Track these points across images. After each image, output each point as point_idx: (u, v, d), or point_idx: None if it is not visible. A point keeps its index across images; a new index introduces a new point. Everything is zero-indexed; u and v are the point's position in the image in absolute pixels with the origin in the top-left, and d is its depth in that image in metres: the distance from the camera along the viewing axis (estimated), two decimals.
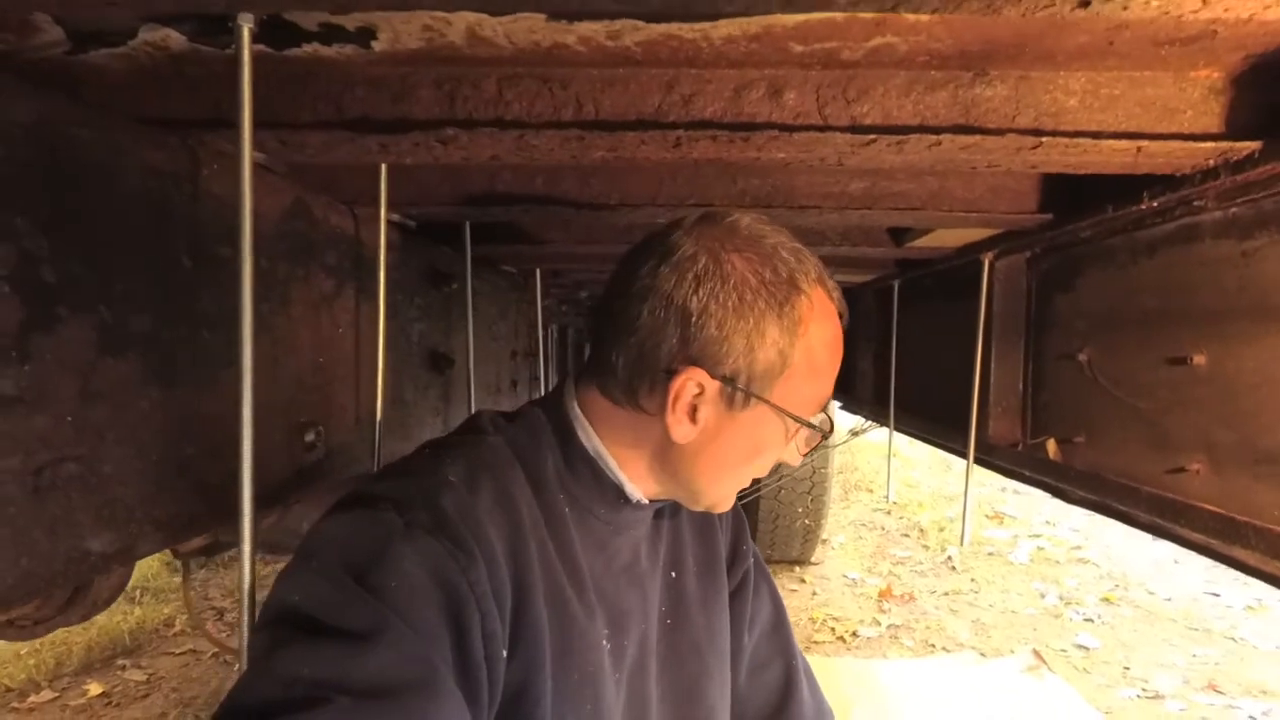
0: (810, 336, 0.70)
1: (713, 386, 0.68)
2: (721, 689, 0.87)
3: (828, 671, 3.13)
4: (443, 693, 0.55)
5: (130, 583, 4.34)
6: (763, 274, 0.68)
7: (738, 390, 0.68)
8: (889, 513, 6.45)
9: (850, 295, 3.35)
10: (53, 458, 0.77)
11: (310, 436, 1.17)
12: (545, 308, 2.77)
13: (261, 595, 0.69)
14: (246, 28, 0.76)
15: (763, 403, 0.69)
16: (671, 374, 0.68)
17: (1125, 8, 0.58)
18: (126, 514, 0.86)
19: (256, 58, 0.82)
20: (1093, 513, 1.53)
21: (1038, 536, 5.68)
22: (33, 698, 3.23)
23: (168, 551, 1.22)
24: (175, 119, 0.92)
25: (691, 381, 0.67)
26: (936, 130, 0.90)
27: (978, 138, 0.89)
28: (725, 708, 0.88)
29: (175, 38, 0.82)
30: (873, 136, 0.90)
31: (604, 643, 0.73)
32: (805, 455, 0.80)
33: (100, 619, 3.79)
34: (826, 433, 0.78)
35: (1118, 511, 1.41)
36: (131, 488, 0.87)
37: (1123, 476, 1.35)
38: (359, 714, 0.50)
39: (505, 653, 0.63)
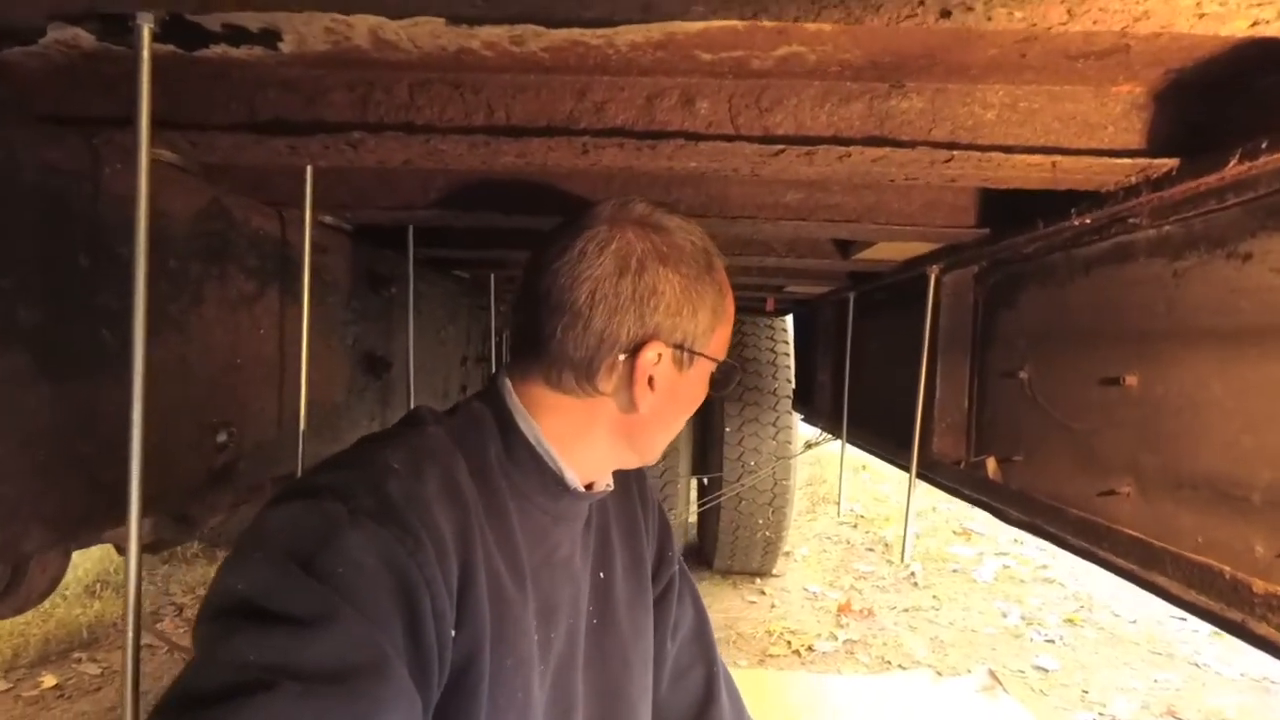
0: (728, 293, 0.80)
1: (668, 354, 0.75)
2: (643, 691, 0.89)
3: (779, 685, 3.12)
4: (392, 677, 0.55)
5: (90, 577, 4.34)
6: (686, 248, 0.76)
7: (685, 351, 0.76)
8: (855, 526, 6.44)
9: (810, 307, 3.37)
10: None
11: (222, 437, 1.14)
12: (501, 313, 2.75)
13: None
14: (146, 27, 0.76)
15: (703, 357, 0.78)
16: (636, 352, 0.73)
17: (989, 18, 0.57)
18: (9, 510, 0.85)
19: (168, 58, 0.84)
20: (1027, 534, 1.52)
21: (1004, 555, 5.69)
22: None
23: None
24: (88, 117, 0.92)
25: (653, 354, 0.73)
26: (847, 142, 0.89)
27: (888, 150, 0.89)
28: (646, 709, 0.90)
29: (85, 37, 0.82)
30: (781, 147, 0.89)
31: (535, 634, 0.74)
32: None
33: (59, 612, 3.89)
34: (732, 365, 0.85)
35: (1049, 534, 1.40)
36: (15, 483, 0.85)
37: (1054, 498, 1.34)
38: (308, 698, 0.50)
39: (453, 631, 0.64)
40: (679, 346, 0.75)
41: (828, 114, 0.91)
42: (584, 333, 0.72)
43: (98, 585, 4.34)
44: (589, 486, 0.81)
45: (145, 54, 0.76)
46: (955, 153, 0.89)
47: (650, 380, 0.74)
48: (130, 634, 0.84)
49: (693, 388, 0.80)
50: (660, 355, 0.74)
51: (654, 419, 0.79)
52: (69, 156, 0.92)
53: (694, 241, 0.77)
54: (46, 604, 3.81)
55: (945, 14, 0.56)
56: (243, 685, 0.49)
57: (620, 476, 0.94)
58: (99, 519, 0.97)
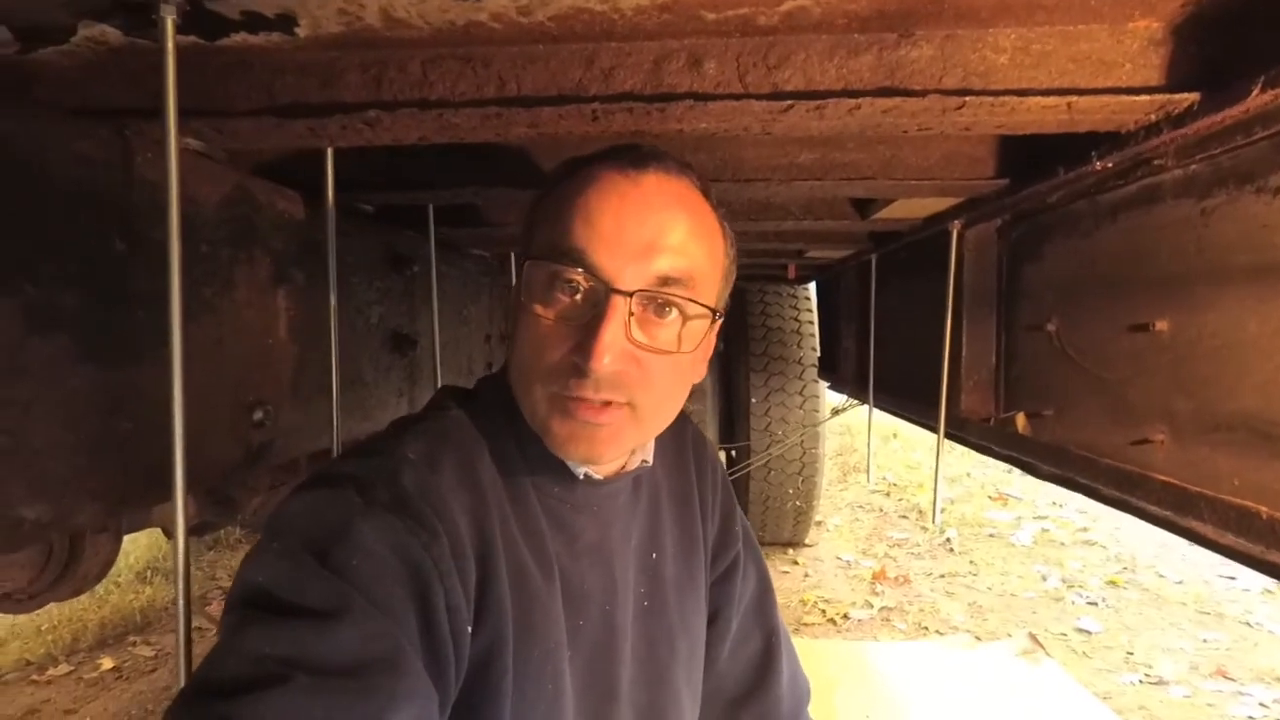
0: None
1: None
2: (688, 675, 0.86)
3: (814, 653, 3.13)
4: (407, 671, 0.55)
5: (141, 564, 4.48)
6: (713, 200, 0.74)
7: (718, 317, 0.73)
8: (888, 494, 6.41)
9: (832, 274, 3.35)
10: None
11: (258, 415, 1.17)
12: None
13: None
14: (170, 19, 0.79)
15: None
16: (714, 319, 0.72)
17: None
18: (60, 485, 0.88)
19: (191, 49, 0.87)
20: (1060, 487, 1.51)
21: (1043, 518, 5.64)
22: (50, 671, 3.42)
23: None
24: (118, 109, 0.95)
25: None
26: (857, 94, 0.88)
27: (898, 100, 0.88)
28: (692, 694, 0.87)
29: (112, 33, 0.85)
30: (790, 103, 0.88)
31: (564, 621, 0.73)
32: None
33: (113, 598, 4.06)
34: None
35: (1082, 485, 1.39)
36: (63, 461, 0.88)
37: (1086, 449, 1.33)
38: (321, 692, 0.50)
39: (470, 627, 0.63)
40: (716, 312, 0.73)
41: (837, 67, 0.90)
42: None
43: (148, 571, 4.49)
44: (623, 467, 0.78)
45: (170, 44, 0.79)
46: (967, 99, 0.88)
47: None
48: (180, 603, 0.88)
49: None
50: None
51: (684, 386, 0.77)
52: (100, 147, 0.94)
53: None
54: (101, 590, 3.99)
55: None
56: (257, 678, 0.49)
57: (673, 452, 0.91)
58: (142, 497, 1.00)
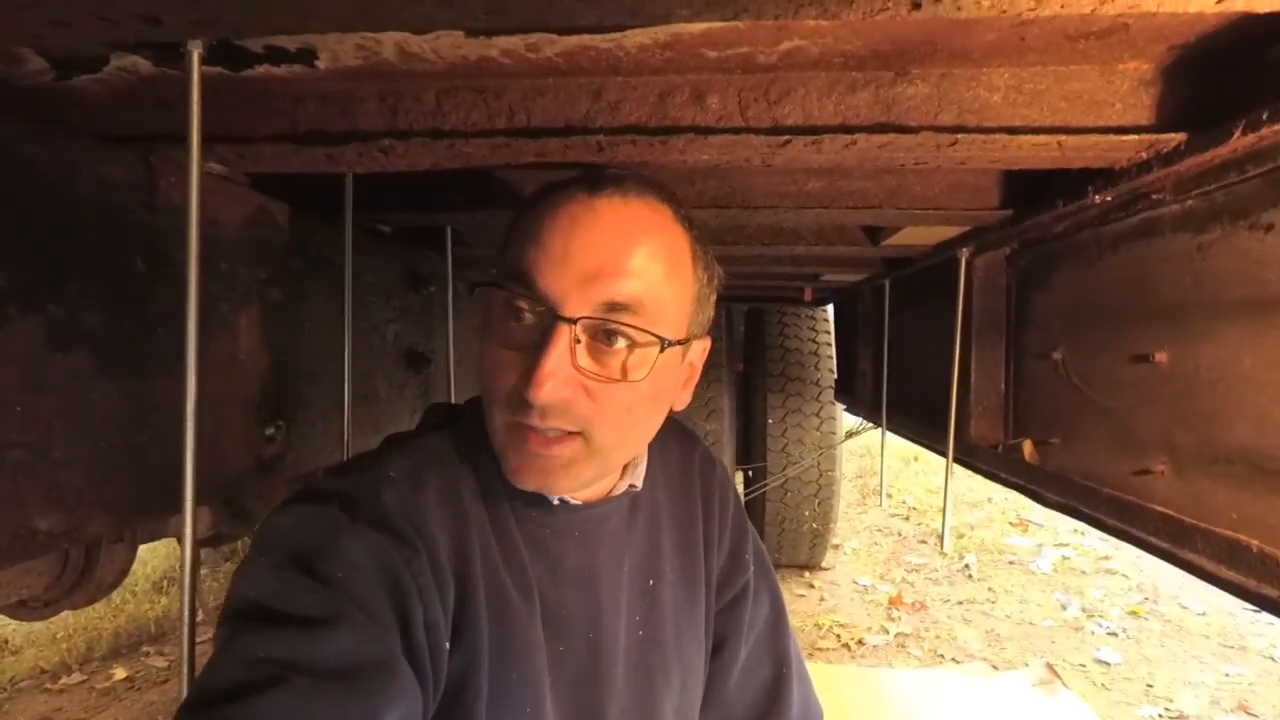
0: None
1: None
2: (679, 706, 0.83)
3: (828, 679, 3.11)
4: (400, 672, 0.56)
5: (157, 574, 4.50)
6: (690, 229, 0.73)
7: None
8: (907, 518, 6.34)
9: (849, 296, 3.35)
10: (0, 444, 0.82)
11: (270, 430, 1.21)
12: None
13: None
14: (196, 53, 0.83)
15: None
16: (686, 346, 0.71)
17: (958, 8, 0.59)
18: (75, 496, 0.92)
19: (217, 79, 0.91)
20: (1065, 515, 1.51)
21: (1064, 545, 5.54)
22: (64, 679, 3.44)
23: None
24: (147, 134, 0.99)
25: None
26: (853, 130, 0.91)
27: (893, 136, 0.90)
28: None
29: (144, 63, 0.89)
30: (788, 137, 0.91)
31: (545, 646, 0.72)
32: None
33: (129, 608, 4.06)
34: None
35: (1085, 515, 1.39)
36: (80, 472, 0.92)
37: (1089, 478, 1.33)
38: (319, 693, 0.51)
39: (448, 645, 0.63)
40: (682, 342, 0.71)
41: (835, 103, 0.92)
42: None
43: (164, 582, 4.52)
44: (610, 490, 0.77)
45: (195, 77, 0.83)
46: (960, 136, 0.90)
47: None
48: (185, 613, 0.91)
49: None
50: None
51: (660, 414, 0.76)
52: (125, 171, 0.99)
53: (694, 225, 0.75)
54: (117, 599, 4.02)
55: (916, 6, 0.58)
56: (254, 681, 0.50)
57: (677, 475, 0.89)
58: (156, 508, 1.04)
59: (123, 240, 0.98)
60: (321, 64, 0.91)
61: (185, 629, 0.91)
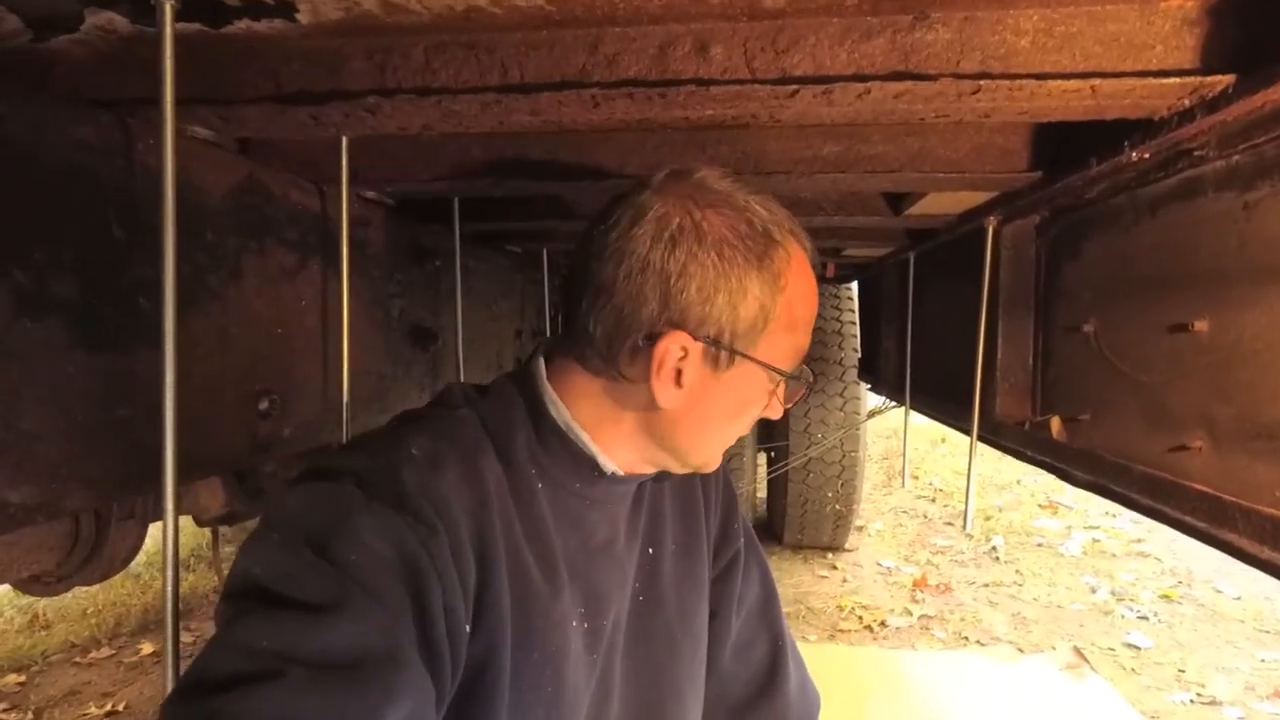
0: (789, 289, 0.69)
1: (696, 348, 0.67)
2: (691, 673, 0.85)
3: (849, 660, 3.07)
4: (404, 664, 0.55)
5: (185, 552, 4.58)
6: (739, 229, 0.66)
7: (722, 350, 0.67)
8: (933, 500, 6.26)
9: (872, 272, 3.27)
10: None
11: (264, 405, 1.18)
12: (557, 287, 2.76)
13: None
14: (168, 5, 0.79)
15: (747, 360, 0.68)
16: (654, 339, 0.66)
17: None
18: (50, 470, 0.89)
19: (199, 38, 0.88)
20: (1095, 495, 1.44)
21: (1094, 528, 5.44)
22: (93, 654, 3.55)
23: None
24: (128, 98, 0.96)
25: (675, 345, 0.66)
26: (866, 78, 0.84)
27: (910, 84, 0.84)
28: (695, 692, 0.86)
29: (120, 21, 0.85)
30: (795, 88, 0.85)
31: (574, 623, 0.71)
32: (788, 408, 0.79)
33: (156, 584, 4.14)
34: (810, 383, 0.77)
35: (1115, 493, 1.33)
36: (54, 445, 0.89)
37: (1121, 455, 1.27)
38: (315, 686, 0.50)
39: (468, 628, 0.62)
40: (713, 342, 0.67)
41: (848, 51, 0.86)
42: (606, 308, 0.67)
43: (191, 559, 4.61)
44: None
45: (168, 31, 0.79)
46: (983, 83, 0.83)
47: (677, 375, 0.67)
48: (169, 587, 0.88)
49: (736, 395, 0.71)
50: (686, 350, 0.66)
51: (684, 421, 0.71)
52: (98, 133, 0.95)
53: (751, 223, 0.67)
54: (146, 575, 4.12)
55: None
56: (250, 673, 0.49)
57: None
58: (141, 482, 1.01)
59: (96, 206, 0.95)
60: (303, 18, 0.86)
61: (169, 616, 0.88)
